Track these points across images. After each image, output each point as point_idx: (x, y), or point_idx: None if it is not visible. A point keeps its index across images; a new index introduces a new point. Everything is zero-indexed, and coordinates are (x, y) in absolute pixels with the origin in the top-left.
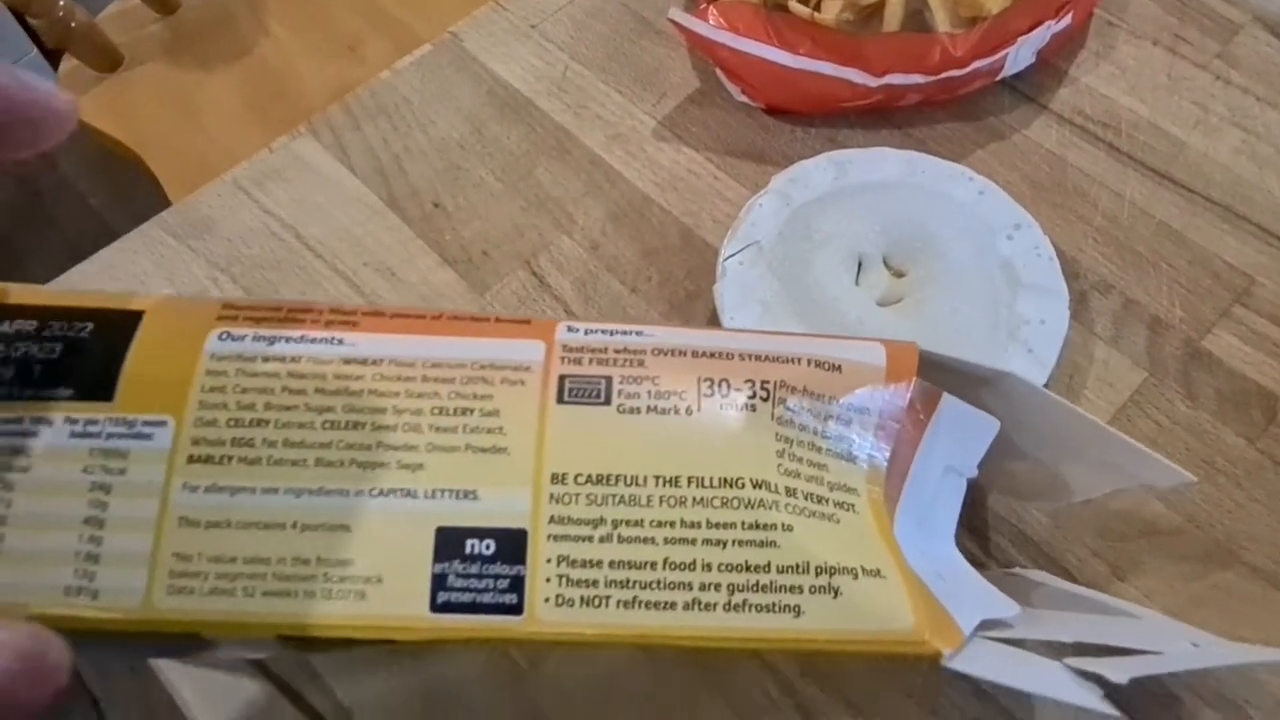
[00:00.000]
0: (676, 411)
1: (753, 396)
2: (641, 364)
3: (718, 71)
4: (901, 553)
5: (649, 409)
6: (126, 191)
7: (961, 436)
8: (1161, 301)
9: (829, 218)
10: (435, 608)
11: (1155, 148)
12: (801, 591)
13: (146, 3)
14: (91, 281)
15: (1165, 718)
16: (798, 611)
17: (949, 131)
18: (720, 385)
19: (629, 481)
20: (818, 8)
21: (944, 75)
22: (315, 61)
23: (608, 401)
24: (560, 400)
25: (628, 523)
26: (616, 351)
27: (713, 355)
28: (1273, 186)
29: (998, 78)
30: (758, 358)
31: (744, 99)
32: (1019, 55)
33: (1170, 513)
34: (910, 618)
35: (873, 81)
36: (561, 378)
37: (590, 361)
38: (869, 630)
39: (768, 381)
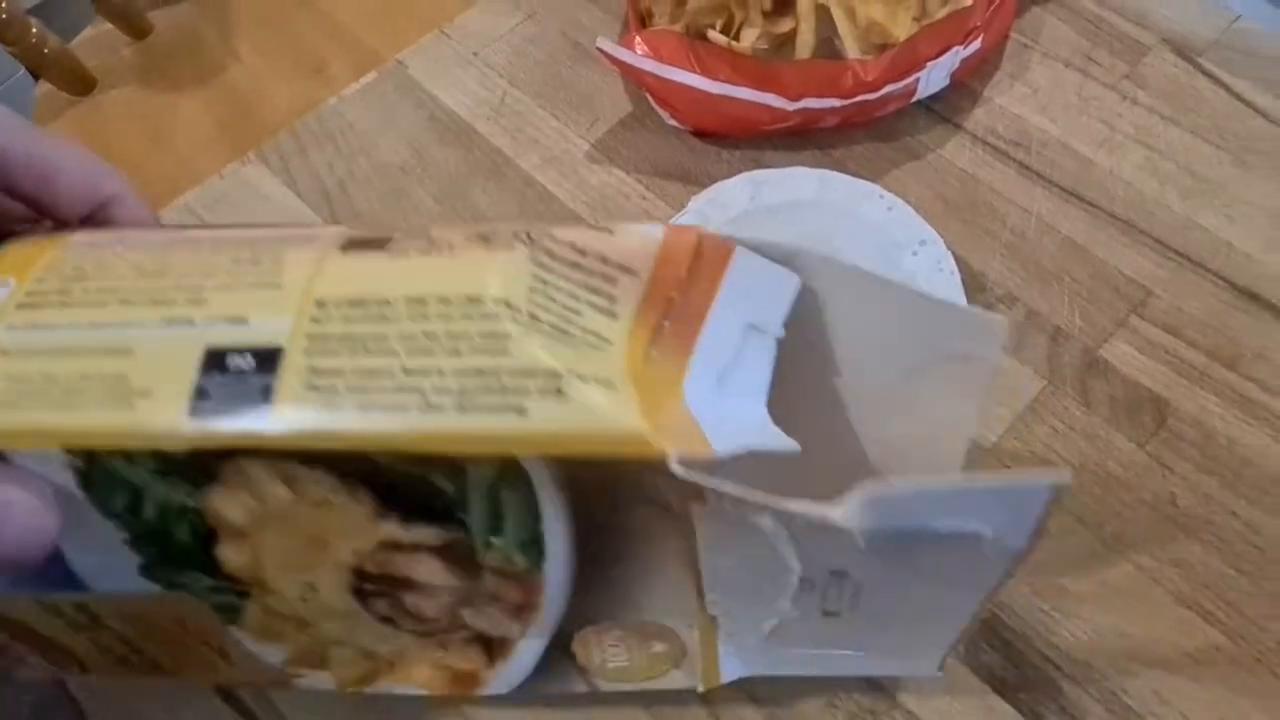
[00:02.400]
0: (440, 252)
1: (515, 240)
2: (427, 235)
3: (648, 96)
4: (683, 399)
5: (418, 252)
6: None
7: (761, 292)
8: (1063, 313)
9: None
10: (192, 414)
11: (1063, 165)
12: (528, 394)
13: (118, 27)
14: None
15: (1049, 706)
16: (522, 411)
17: (867, 152)
18: (489, 237)
19: (381, 303)
20: (737, 36)
21: (858, 99)
22: (284, 84)
23: (383, 249)
24: (342, 251)
25: (374, 337)
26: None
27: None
28: (1172, 202)
29: (913, 100)
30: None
31: (673, 123)
32: (931, 78)
33: (1063, 514)
34: (639, 422)
35: (789, 105)
36: (350, 238)
37: (378, 233)
38: (592, 429)
39: (533, 232)
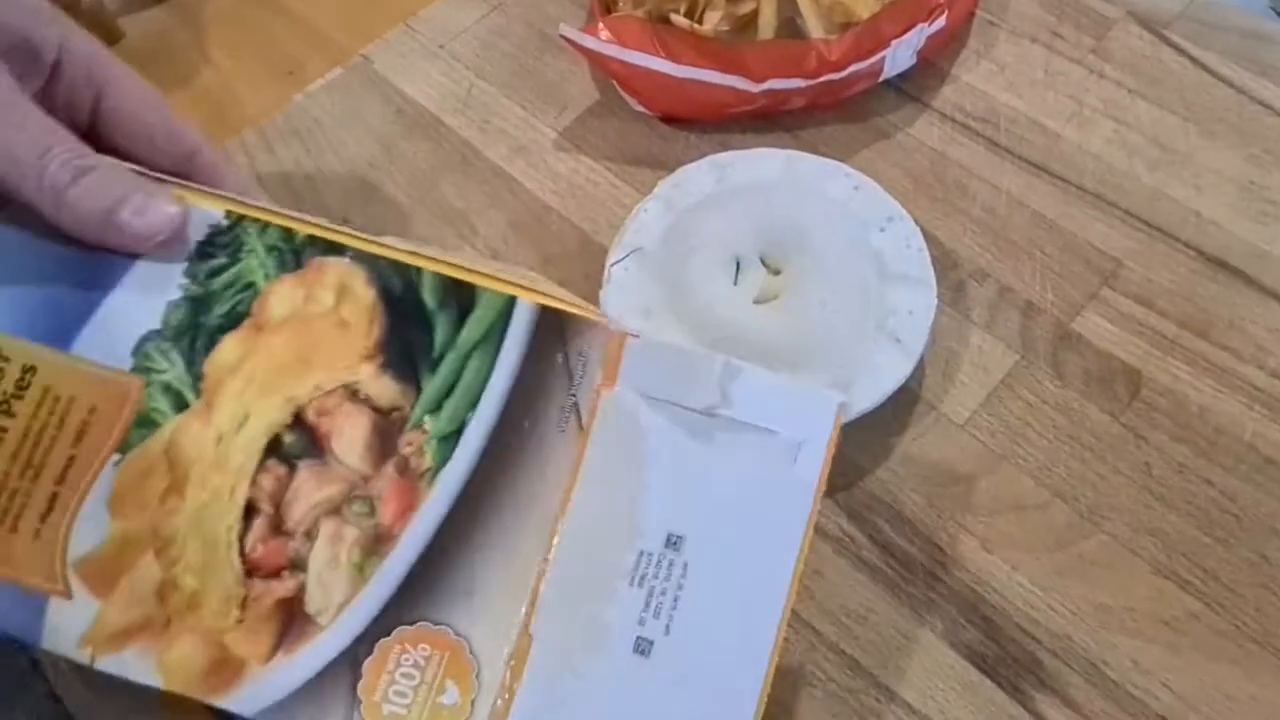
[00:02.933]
0: None
1: None
2: None
3: (615, 84)
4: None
5: None
6: None
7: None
8: (1035, 287)
9: (708, 221)
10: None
11: (1032, 141)
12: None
13: (89, 32)
14: None
15: (1029, 680)
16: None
17: (835, 133)
18: None
19: None
20: (700, 20)
21: (823, 79)
22: (256, 85)
23: None
24: None
25: None
26: None
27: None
28: (1141, 174)
29: (880, 79)
30: None
31: (640, 109)
32: (897, 57)
33: (1039, 488)
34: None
35: (755, 87)
36: None
37: None
38: (569, 302)
39: None
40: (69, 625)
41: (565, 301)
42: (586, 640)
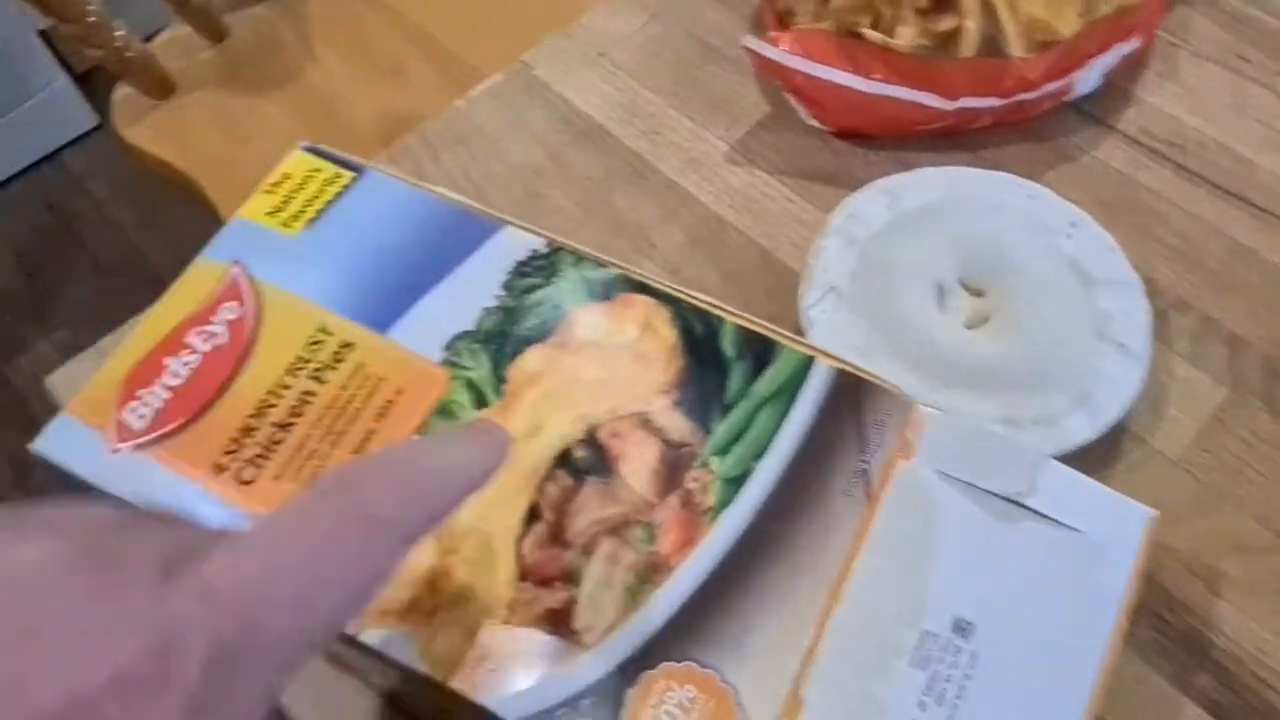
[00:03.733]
0: None
1: None
2: None
3: (787, 96)
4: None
5: None
6: (154, 215)
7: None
8: (1239, 319)
9: (897, 250)
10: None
11: (1224, 167)
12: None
13: (196, 30)
14: None
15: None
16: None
17: (1020, 153)
18: None
19: None
20: (890, 34)
21: (1016, 98)
22: (361, 86)
23: None
24: None
25: None
26: None
27: None
28: None
29: (1065, 99)
30: None
31: (813, 122)
32: (1088, 78)
33: (1263, 530)
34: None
35: (947, 105)
36: None
37: None
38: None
39: None
40: None
41: (863, 370)
42: (859, 715)
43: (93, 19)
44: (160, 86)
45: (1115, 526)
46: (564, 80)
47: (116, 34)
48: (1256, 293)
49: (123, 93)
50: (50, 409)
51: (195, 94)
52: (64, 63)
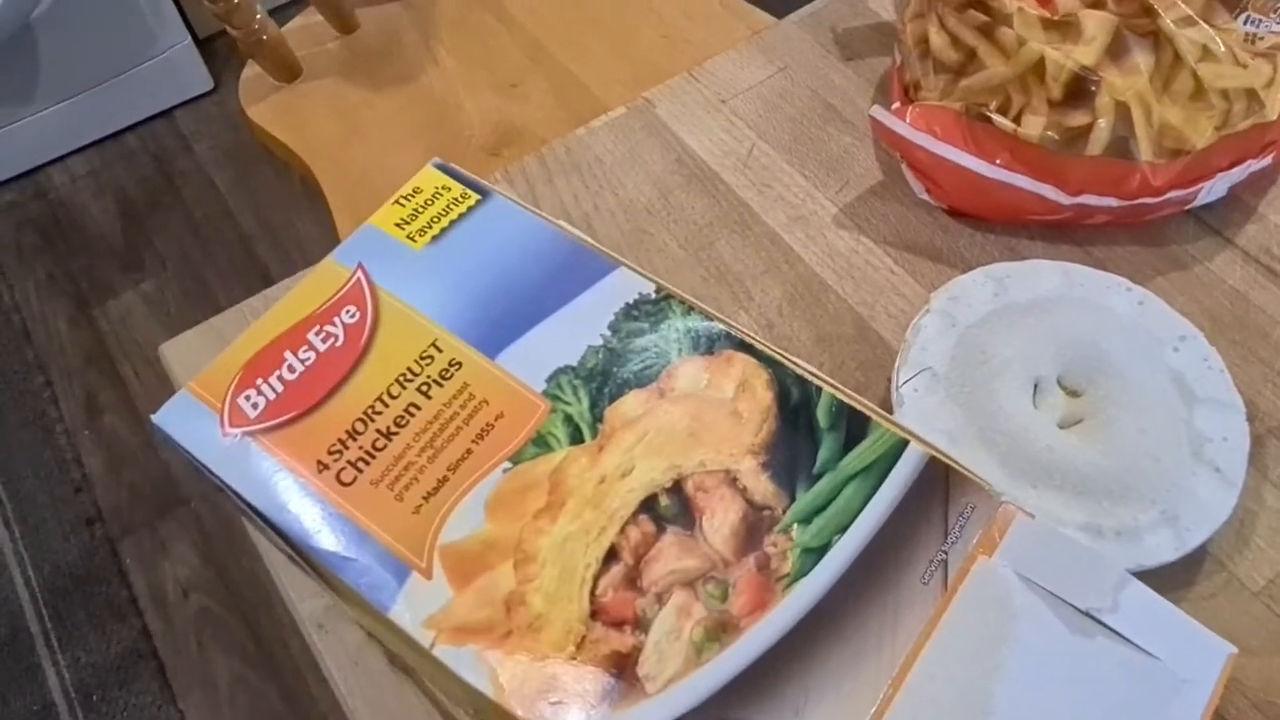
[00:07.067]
0: None
1: None
2: None
3: (903, 167)
4: None
5: None
6: (249, 182)
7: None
8: None
9: (1001, 340)
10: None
11: None
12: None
13: (328, 20)
14: None
15: None
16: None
17: (1130, 255)
18: None
19: None
20: (1016, 120)
21: (1137, 201)
22: (478, 93)
23: None
24: None
25: None
26: None
27: None
28: None
29: (1187, 207)
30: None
31: (925, 197)
32: (1213, 188)
33: None
34: None
35: (1065, 200)
36: None
37: None
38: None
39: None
40: (420, 604)
41: (954, 460)
42: None
43: (238, 0)
44: (287, 71)
45: (1194, 658)
46: (683, 122)
47: (256, 16)
48: None
49: (252, 71)
50: (132, 357)
51: (318, 81)
52: (189, 26)
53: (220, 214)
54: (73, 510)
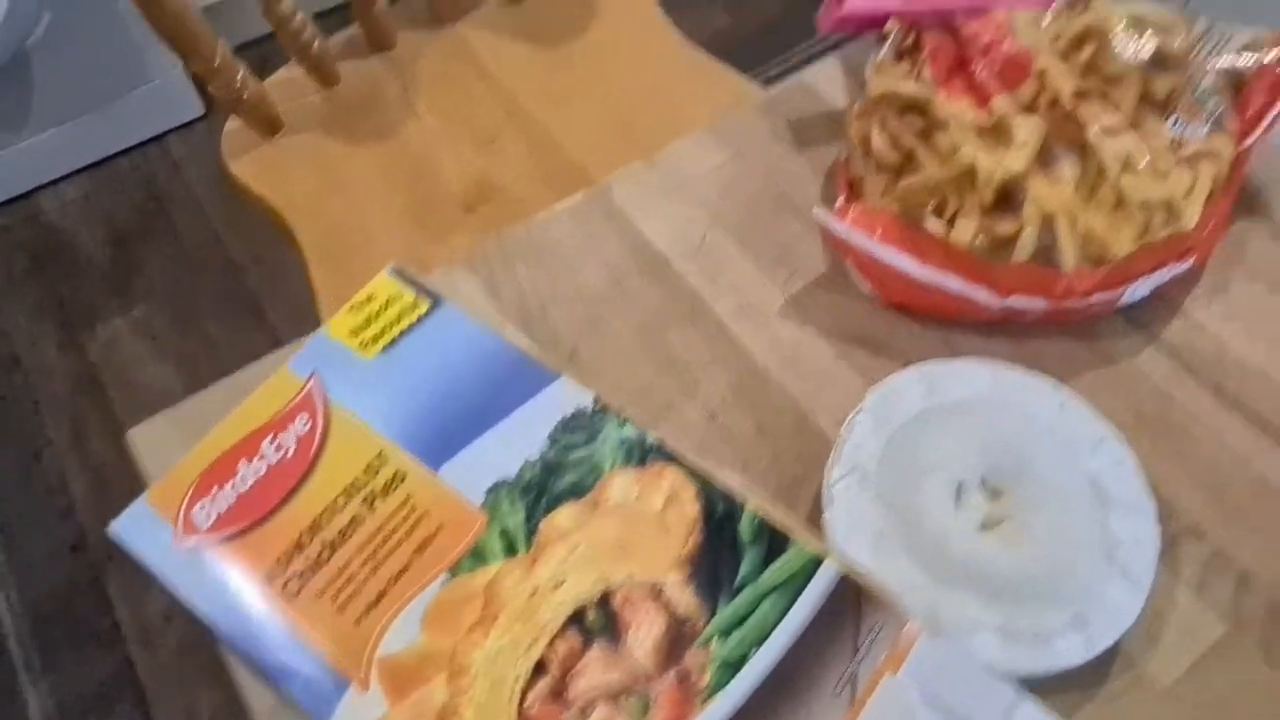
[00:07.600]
0: None
1: None
2: None
3: (846, 262)
4: None
5: None
6: (239, 208)
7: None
8: (1252, 558)
9: (929, 440)
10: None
11: (1264, 398)
12: None
13: (310, 74)
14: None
15: None
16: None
17: (1062, 350)
18: None
19: None
20: (951, 221)
21: (1064, 304)
22: (454, 148)
23: None
24: None
25: None
26: None
27: None
28: None
29: (1114, 307)
30: None
31: (867, 291)
32: (1137, 290)
33: None
34: None
35: (996, 302)
36: None
37: None
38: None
39: None
40: (358, 716)
41: (866, 579)
42: None
43: (219, 62)
44: (269, 125)
45: None
46: (640, 208)
47: (238, 75)
48: (1275, 534)
49: (233, 125)
50: (120, 383)
51: (298, 135)
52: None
53: (210, 240)
54: (58, 535)
